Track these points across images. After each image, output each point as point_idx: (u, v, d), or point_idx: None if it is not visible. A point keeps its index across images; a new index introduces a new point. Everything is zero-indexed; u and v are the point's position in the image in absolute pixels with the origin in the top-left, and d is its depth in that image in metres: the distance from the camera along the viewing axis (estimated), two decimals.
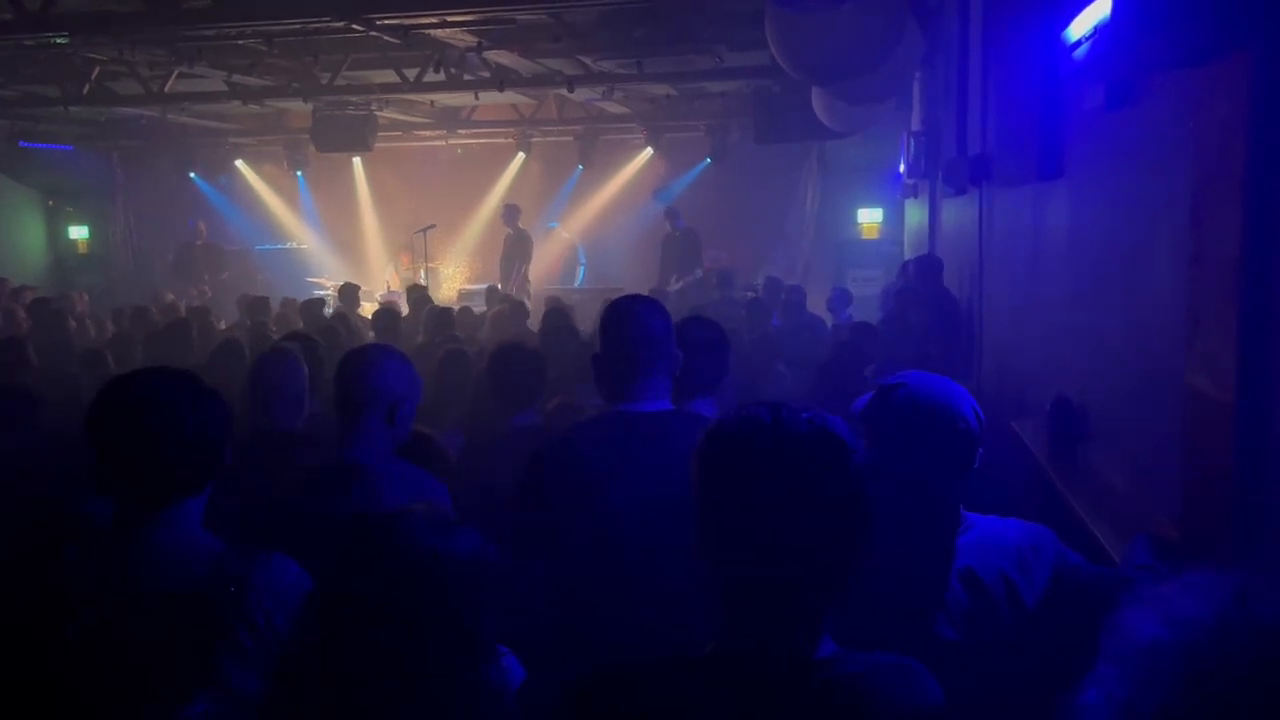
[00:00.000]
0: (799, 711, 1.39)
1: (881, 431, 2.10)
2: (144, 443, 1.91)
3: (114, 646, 1.83)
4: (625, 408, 2.59)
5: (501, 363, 4.00)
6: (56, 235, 15.37)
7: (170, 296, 11.65)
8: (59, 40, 7.96)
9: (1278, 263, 2.00)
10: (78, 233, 15.39)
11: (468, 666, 1.60)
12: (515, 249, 12.80)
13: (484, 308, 10.05)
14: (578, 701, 1.47)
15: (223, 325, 9.15)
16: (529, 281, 12.72)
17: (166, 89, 10.43)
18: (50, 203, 15.28)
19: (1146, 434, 2.77)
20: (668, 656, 1.48)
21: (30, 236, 14.93)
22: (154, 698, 1.81)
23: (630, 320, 2.63)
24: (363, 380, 2.66)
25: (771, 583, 1.40)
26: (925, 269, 7.04)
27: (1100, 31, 2.25)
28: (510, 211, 13.15)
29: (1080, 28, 2.48)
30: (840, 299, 9.20)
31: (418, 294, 9.50)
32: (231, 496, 2.12)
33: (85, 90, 10.38)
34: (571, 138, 14.24)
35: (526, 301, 10.91)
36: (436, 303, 9.35)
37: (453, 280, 14.56)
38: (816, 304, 9.33)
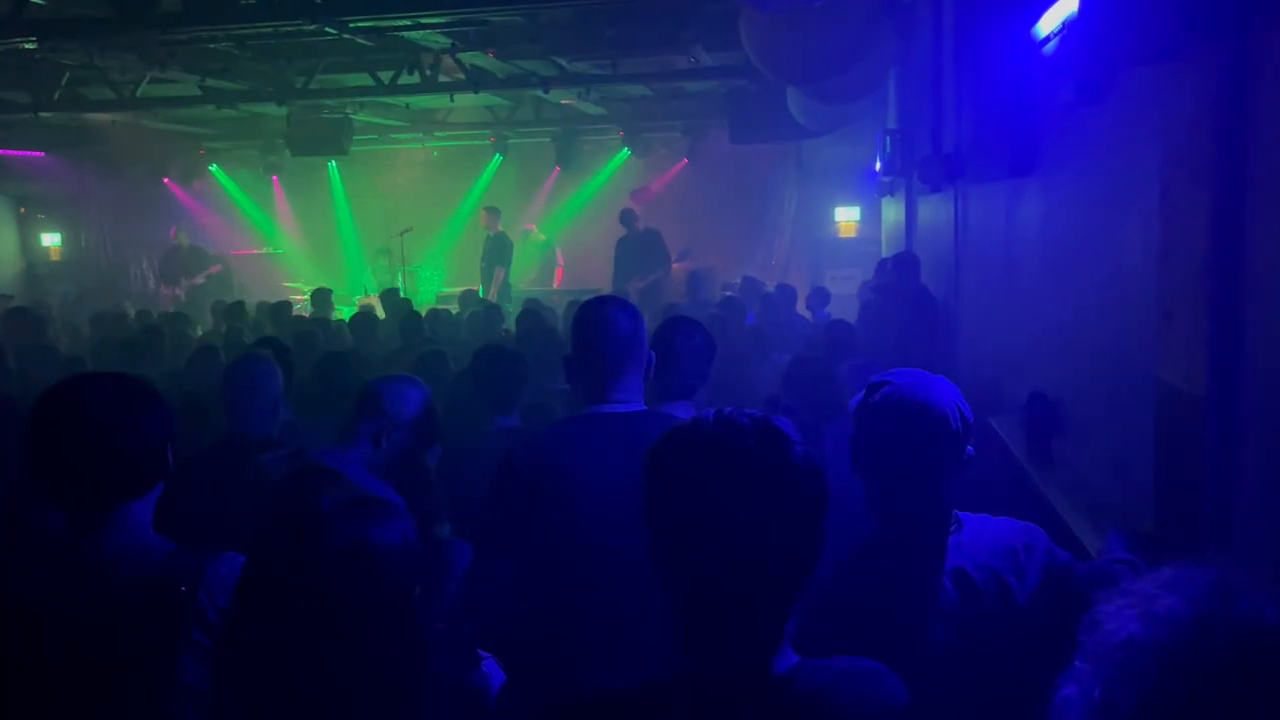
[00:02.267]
0: None
1: (870, 429, 2.09)
2: (85, 447, 1.90)
3: (68, 652, 1.82)
4: (597, 409, 2.59)
5: (484, 365, 3.99)
6: (28, 243, 15.20)
7: (130, 309, 11.58)
8: (27, 45, 7.86)
9: (1247, 256, 2.02)
10: (50, 240, 15.23)
11: (405, 661, 1.54)
12: (495, 252, 12.77)
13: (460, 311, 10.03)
14: None
15: (199, 332, 9.06)
16: (510, 285, 12.69)
17: (138, 93, 10.33)
18: (21, 210, 15.12)
19: (1120, 428, 2.79)
20: (627, 684, 1.42)
21: (1, 244, 14.78)
22: (112, 700, 1.80)
23: (601, 321, 2.63)
24: (370, 399, 2.76)
25: (721, 597, 1.34)
26: (903, 266, 7.06)
27: (1069, 28, 2.26)
28: (491, 215, 13.14)
29: (1049, 24, 2.49)
30: (818, 298, 9.22)
31: (393, 298, 9.46)
32: (202, 501, 2.11)
33: (55, 96, 10.27)
34: (548, 139, 14.21)
35: (507, 304, 10.88)
36: (415, 306, 9.31)
37: (430, 283, 14.50)
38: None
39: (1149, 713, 1.19)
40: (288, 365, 3.95)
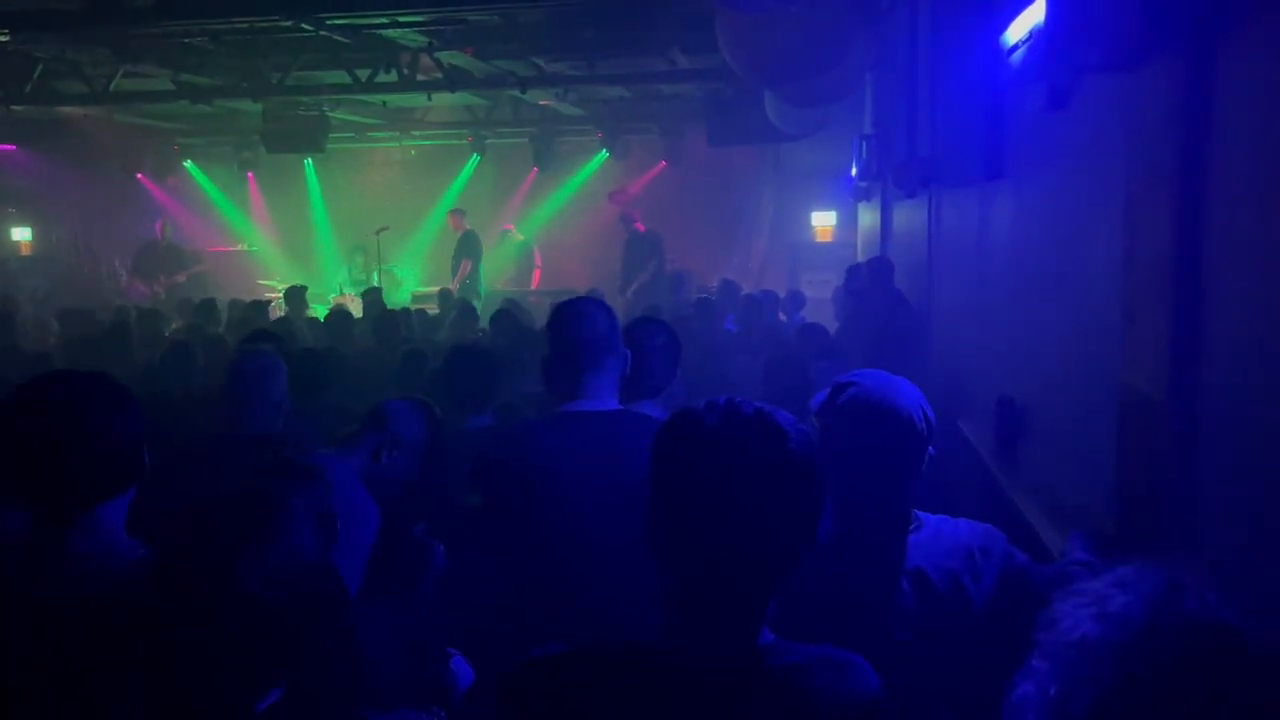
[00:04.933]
0: (739, 698, 1.40)
1: (832, 430, 2.11)
2: (53, 447, 1.85)
3: (31, 656, 1.79)
4: (572, 407, 2.60)
5: (456, 365, 3.99)
6: None
7: (142, 295, 11.47)
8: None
9: (1208, 262, 2.05)
10: (20, 234, 15.05)
11: (337, 653, 1.52)
12: (463, 248, 12.80)
13: (438, 310, 10.00)
14: (512, 687, 1.47)
15: (174, 327, 8.99)
16: (480, 280, 12.70)
17: (111, 88, 10.24)
18: None
19: (1084, 431, 2.83)
20: (606, 643, 1.49)
21: None
22: (83, 706, 1.78)
23: (576, 321, 2.65)
24: (379, 413, 2.82)
25: (714, 576, 1.40)
26: (876, 271, 7.11)
27: (1036, 35, 2.29)
28: (455, 216, 13.22)
29: (1017, 32, 2.53)
30: (793, 301, 9.27)
31: (371, 297, 9.41)
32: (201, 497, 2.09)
33: (27, 89, 10.16)
34: (526, 139, 14.19)
35: (475, 299, 10.84)
36: (390, 306, 9.26)
37: (406, 282, 14.45)
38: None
39: (1104, 710, 1.21)
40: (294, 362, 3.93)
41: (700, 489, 1.39)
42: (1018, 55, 2.48)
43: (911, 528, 2.12)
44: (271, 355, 3.47)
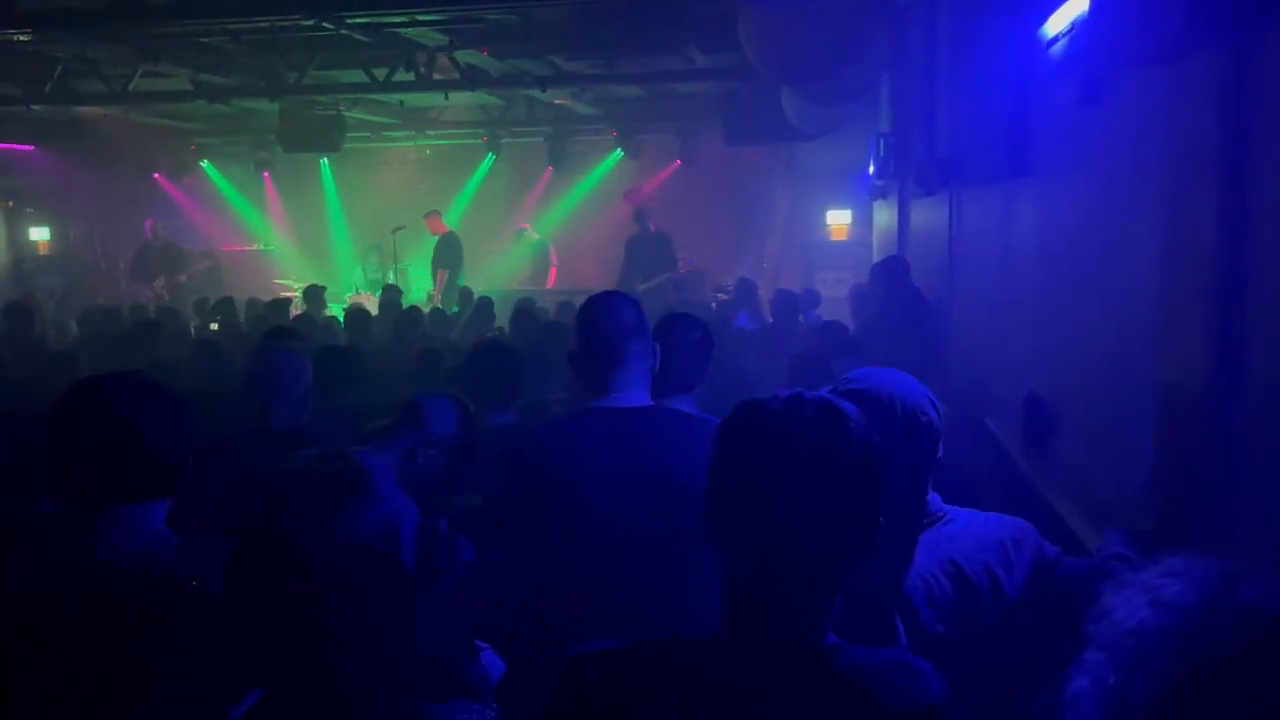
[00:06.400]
0: (806, 697, 1.38)
1: None
2: (101, 449, 1.91)
3: (75, 649, 1.81)
4: (602, 403, 2.59)
5: (480, 362, 3.99)
6: (16, 236, 15.10)
7: (144, 297, 11.48)
8: (20, 38, 7.81)
9: (1251, 257, 2.03)
10: (38, 234, 15.13)
11: (391, 646, 1.51)
12: (441, 253, 12.85)
13: (455, 309, 10.01)
14: (570, 676, 1.46)
15: (194, 325, 9.03)
16: (458, 288, 12.79)
17: (130, 88, 10.28)
18: (9, 204, 15.01)
19: (1119, 428, 2.81)
20: (665, 636, 1.47)
21: None
22: (118, 695, 1.79)
23: (606, 316, 2.63)
24: (412, 413, 2.82)
25: (779, 560, 1.39)
26: (892, 269, 7.08)
27: (1077, 27, 2.27)
28: (431, 218, 13.24)
29: (1057, 25, 2.51)
30: (809, 300, 9.25)
31: (389, 295, 9.43)
32: (228, 493, 2.10)
33: (46, 89, 10.20)
34: (541, 139, 14.19)
35: (454, 308, 10.80)
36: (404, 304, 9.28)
37: (421, 281, 14.47)
38: None
39: (1164, 696, 1.21)
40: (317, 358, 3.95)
41: (764, 473, 1.39)
42: (1057, 48, 2.46)
43: (940, 521, 2.11)
44: (298, 352, 3.49)
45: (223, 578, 1.79)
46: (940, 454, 2.09)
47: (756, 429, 1.42)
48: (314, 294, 10.02)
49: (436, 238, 12.98)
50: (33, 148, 13.62)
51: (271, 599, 1.45)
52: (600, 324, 2.62)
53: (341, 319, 8.24)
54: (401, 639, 1.51)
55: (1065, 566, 2.11)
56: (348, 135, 12.22)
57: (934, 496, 2.13)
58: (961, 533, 2.09)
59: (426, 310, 9.16)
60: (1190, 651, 1.21)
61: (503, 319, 8.19)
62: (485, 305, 8.81)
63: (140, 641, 1.80)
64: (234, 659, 1.53)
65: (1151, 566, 1.35)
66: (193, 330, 8.72)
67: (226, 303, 9.04)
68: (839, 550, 1.41)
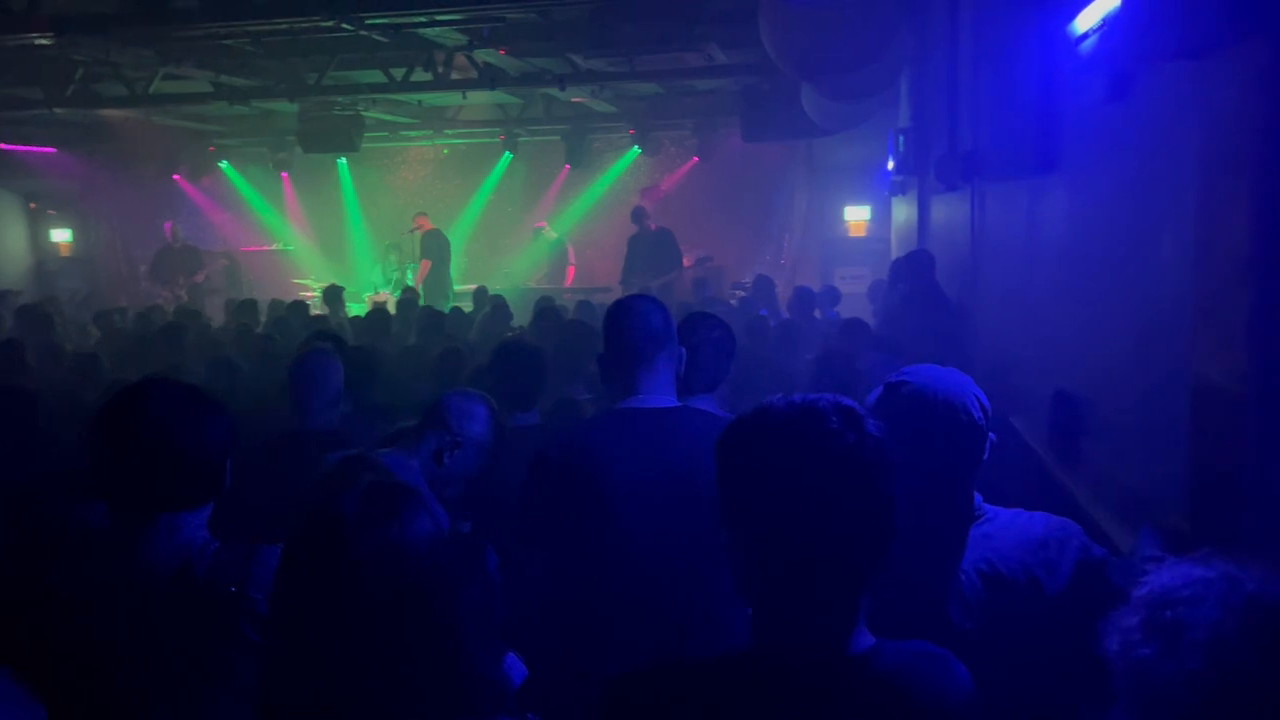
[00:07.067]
0: (839, 708, 1.37)
1: (891, 427, 2.10)
2: (143, 457, 1.92)
3: (117, 650, 1.82)
4: (630, 404, 2.59)
5: (503, 363, 3.99)
6: (38, 239, 15.23)
7: (164, 298, 11.56)
8: (43, 41, 7.87)
9: None
10: (60, 236, 15.25)
11: (443, 649, 1.54)
12: (427, 247, 13.08)
13: (472, 308, 10.02)
14: (614, 702, 1.45)
15: (216, 326, 9.08)
16: (449, 282, 12.88)
17: (151, 90, 10.34)
18: (31, 206, 15.14)
19: (1152, 426, 2.78)
20: (703, 656, 1.46)
21: (11, 240, 14.79)
22: (160, 697, 1.80)
23: (633, 317, 2.64)
24: (438, 413, 2.85)
25: (798, 574, 1.37)
26: (917, 264, 7.04)
27: (1109, 22, 2.25)
28: (418, 216, 13.48)
29: (1088, 20, 2.48)
30: (827, 296, 9.22)
31: (407, 295, 9.45)
32: (263, 494, 2.12)
33: (69, 92, 10.28)
34: (558, 137, 14.20)
35: (443, 301, 10.87)
36: (421, 304, 9.30)
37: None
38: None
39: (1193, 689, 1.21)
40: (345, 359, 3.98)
41: (773, 475, 1.37)
42: (1088, 44, 2.44)
43: (980, 519, 2.10)
44: (330, 353, 3.52)
45: (267, 588, 1.81)
46: (986, 456, 2.08)
47: (760, 429, 1.41)
48: (333, 294, 10.06)
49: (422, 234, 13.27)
50: (55, 150, 13.72)
51: (321, 613, 1.46)
52: (629, 326, 2.63)
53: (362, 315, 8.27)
54: (449, 652, 1.52)
55: (1111, 567, 2.10)
56: (366, 135, 12.27)
57: (975, 496, 2.13)
58: (1001, 532, 2.09)
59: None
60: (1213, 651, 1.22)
61: (522, 318, 8.20)
62: (501, 304, 8.81)
63: (180, 646, 1.81)
64: (273, 675, 1.53)
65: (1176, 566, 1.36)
66: (213, 330, 8.77)
67: (249, 304, 9.09)
68: (854, 552, 1.38)
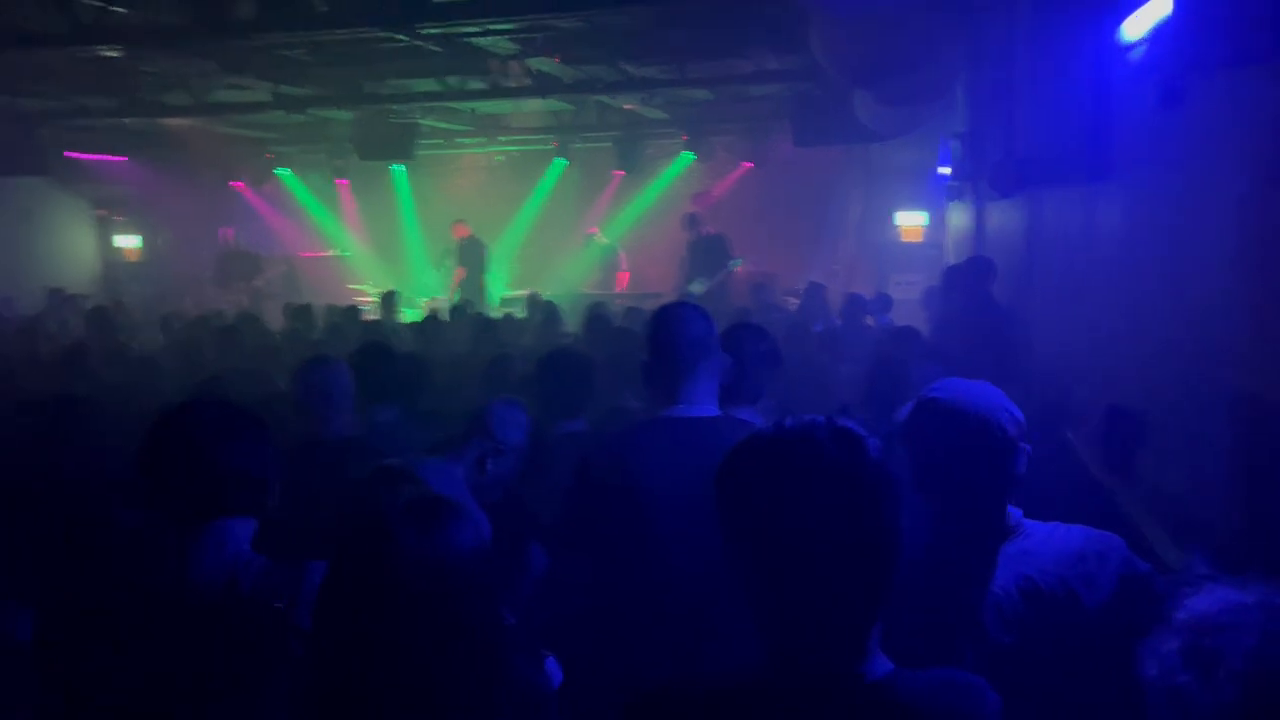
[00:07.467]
0: None
1: (921, 441, 2.09)
2: (192, 461, 2.00)
3: (160, 657, 1.87)
4: (672, 413, 2.60)
5: (550, 370, 4.01)
6: (105, 244, 15.64)
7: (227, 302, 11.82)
8: (110, 53, 8.09)
9: None
10: (126, 242, 15.65)
11: (488, 660, 1.56)
12: (463, 254, 13.26)
13: (525, 314, 10.09)
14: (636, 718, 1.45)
15: (275, 330, 9.25)
16: (485, 289, 12.97)
17: (211, 99, 10.58)
18: (99, 212, 15.55)
19: (1206, 442, 2.72)
20: (717, 680, 1.44)
21: (80, 246, 15.19)
22: (199, 709, 1.84)
23: (677, 326, 2.65)
24: (481, 421, 2.87)
25: (801, 600, 1.34)
26: (977, 271, 6.89)
27: (1160, 31, 2.21)
28: (457, 224, 13.65)
29: (1137, 28, 2.44)
30: (880, 303, 9.12)
31: (461, 301, 9.56)
32: (288, 505, 2.16)
33: (135, 101, 10.55)
34: (610, 143, 14.24)
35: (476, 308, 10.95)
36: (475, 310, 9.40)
37: (494, 286, 14.64)
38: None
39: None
40: (390, 365, 4.06)
41: (765, 502, 1.34)
42: (1137, 52, 2.39)
43: (1017, 534, 2.07)
44: (335, 363, 3.57)
45: (310, 601, 1.84)
46: (1022, 470, 2.05)
47: (756, 458, 1.38)
48: (388, 300, 10.20)
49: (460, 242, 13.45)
50: (121, 158, 14.09)
51: (365, 626, 1.49)
52: (671, 334, 2.63)
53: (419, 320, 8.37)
54: (494, 662, 1.54)
55: (1157, 583, 2.06)
56: (421, 142, 12.41)
57: (1015, 511, 2.10)
58: (1038, 547, 2.06)
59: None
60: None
61: (574, 324, 8.24)
62: (552, 310, 8.87)
63: (224, 659, 1.85)
64: (315, 686, 1.56)
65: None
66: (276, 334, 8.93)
67: (304, 309, 9.25)
68: (853, 580, 1.34)
